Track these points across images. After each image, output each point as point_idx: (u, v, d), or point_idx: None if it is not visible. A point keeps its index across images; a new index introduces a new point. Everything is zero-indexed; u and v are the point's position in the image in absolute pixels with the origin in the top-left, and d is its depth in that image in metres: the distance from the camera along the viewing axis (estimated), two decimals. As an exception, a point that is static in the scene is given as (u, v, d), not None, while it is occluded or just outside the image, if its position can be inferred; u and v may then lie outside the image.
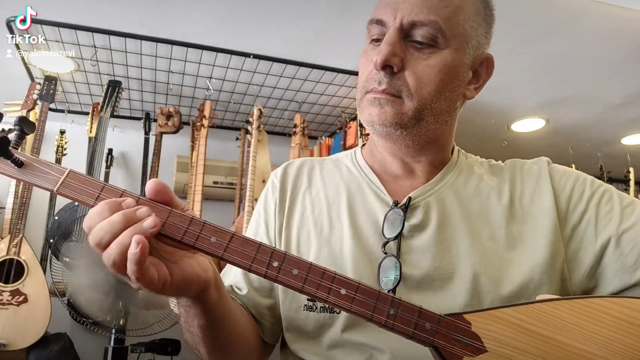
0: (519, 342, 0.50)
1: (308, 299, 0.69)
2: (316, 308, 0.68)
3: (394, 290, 0.64)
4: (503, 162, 0.81)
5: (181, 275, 0.53)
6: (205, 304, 0.59)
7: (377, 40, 0.70)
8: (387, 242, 0.68)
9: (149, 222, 0.50)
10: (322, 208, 0.76)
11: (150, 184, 0.54)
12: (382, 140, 0.73)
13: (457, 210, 0.71)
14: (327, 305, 0.67)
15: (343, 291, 0.50)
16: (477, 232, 0.68)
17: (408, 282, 0.65)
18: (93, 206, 0.51)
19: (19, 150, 0.54)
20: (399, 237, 0.68)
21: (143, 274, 0.49)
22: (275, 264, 0.51)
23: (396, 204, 0.71)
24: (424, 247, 0.68)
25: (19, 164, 0.53)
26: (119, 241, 0.49)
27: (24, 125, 0.54)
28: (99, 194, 0.52)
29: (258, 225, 0.80)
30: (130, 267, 0.48)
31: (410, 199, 0.70)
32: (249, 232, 0.82)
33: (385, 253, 0.67)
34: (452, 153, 0.79)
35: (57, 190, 0.52)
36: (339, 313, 0.66)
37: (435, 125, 0.71)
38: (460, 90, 0.71)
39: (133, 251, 0.47)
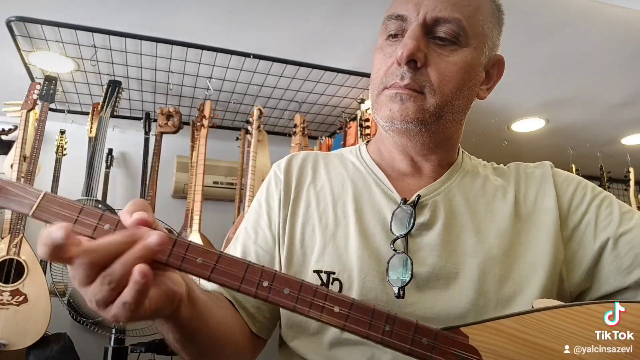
0: (517, 353, 0.50)
1: None
2: None
3: (403, 288, 0.64)
4: (505, 165, 0.81)
5: (157, 298, 0.48)
6: (178, 321, 0.54)
7: (395, 36, 0.69)
8: (396, 239, 0.67)
9: (154, 238, 0.46)
10: (327, 203, 0.75)
11: (130, 207, 0.49)
12: (397, 136, 0.72)
13: (464, 209, 0.71)
14: None
15: (336, 309, 0.49)
16: (483, 232, 0.69)
17: (415, 280, 0.65)
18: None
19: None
20: (407, 234, 0.67)
21: (141, 303, 0.45)
22: (265, 283, 0.49)
23: (404, 201, 0.70)
24: (430, 246, 0.67)
25: None
26: (123, 262, 0.44)
27: None
28: (77, 217, 0.49)
29: (259, 216, 0.78)
30: (131, 295, 0.44)
31: (419, 196, 0.70)
32: (249, 223, 0.79)
33: (395, 250, 0.66)
34: (457, 154, 0.79)
35: (32, 215, 0.49)
36: None
37: (452, 123, 0.71)
38: (475, 90, 0.72)
39: (137, 278, 0.43)
